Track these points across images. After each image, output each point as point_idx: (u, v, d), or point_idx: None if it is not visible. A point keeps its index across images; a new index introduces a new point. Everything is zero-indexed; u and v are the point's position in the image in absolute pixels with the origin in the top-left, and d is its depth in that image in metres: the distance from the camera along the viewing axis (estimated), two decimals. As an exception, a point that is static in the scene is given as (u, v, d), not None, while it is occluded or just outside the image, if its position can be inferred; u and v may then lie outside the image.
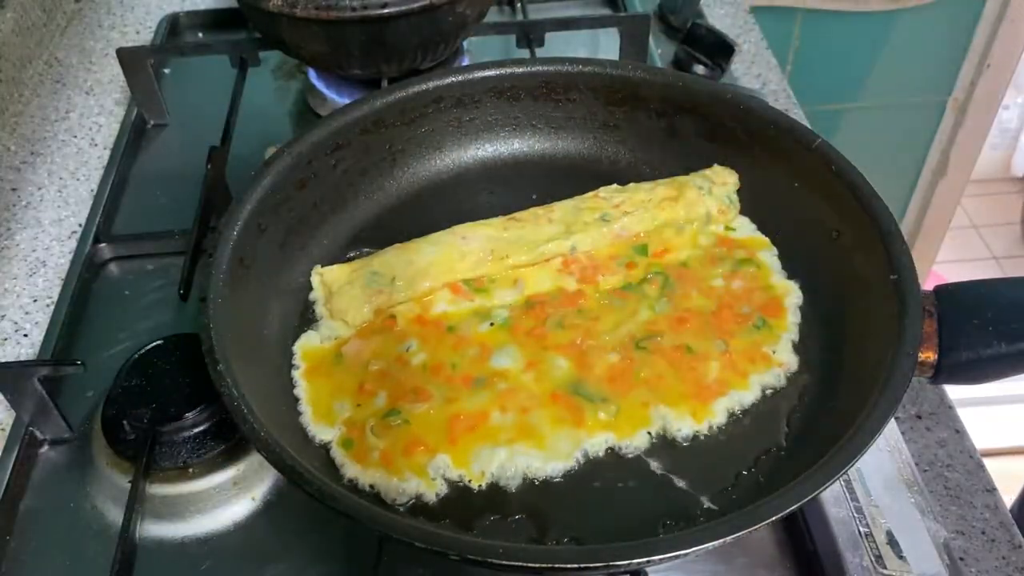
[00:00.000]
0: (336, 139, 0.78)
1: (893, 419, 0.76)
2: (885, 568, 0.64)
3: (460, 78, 0.83)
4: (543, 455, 0.63)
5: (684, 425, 0.65)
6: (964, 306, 0.62)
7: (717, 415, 0.66)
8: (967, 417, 0.78)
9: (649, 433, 0.65)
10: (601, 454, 0.64)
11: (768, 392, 0.68)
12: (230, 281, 0.65)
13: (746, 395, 0.67)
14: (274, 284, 0.72)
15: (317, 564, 0.65)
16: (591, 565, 0.50)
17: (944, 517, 0.69)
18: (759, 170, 0.79)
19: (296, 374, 0.68)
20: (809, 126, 1.07)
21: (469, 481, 0.62)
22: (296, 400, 0.67)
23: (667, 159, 0.84)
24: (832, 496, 0.68)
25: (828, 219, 0.73)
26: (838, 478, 0.53)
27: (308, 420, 0.66)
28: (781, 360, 0.69)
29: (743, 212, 0.80)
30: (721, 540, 0.51)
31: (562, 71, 0.84)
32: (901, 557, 0.65)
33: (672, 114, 0.83)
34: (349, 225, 0.80)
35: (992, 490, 0.72)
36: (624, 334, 0.71)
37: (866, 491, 0.69)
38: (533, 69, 0.84)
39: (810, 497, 0.52)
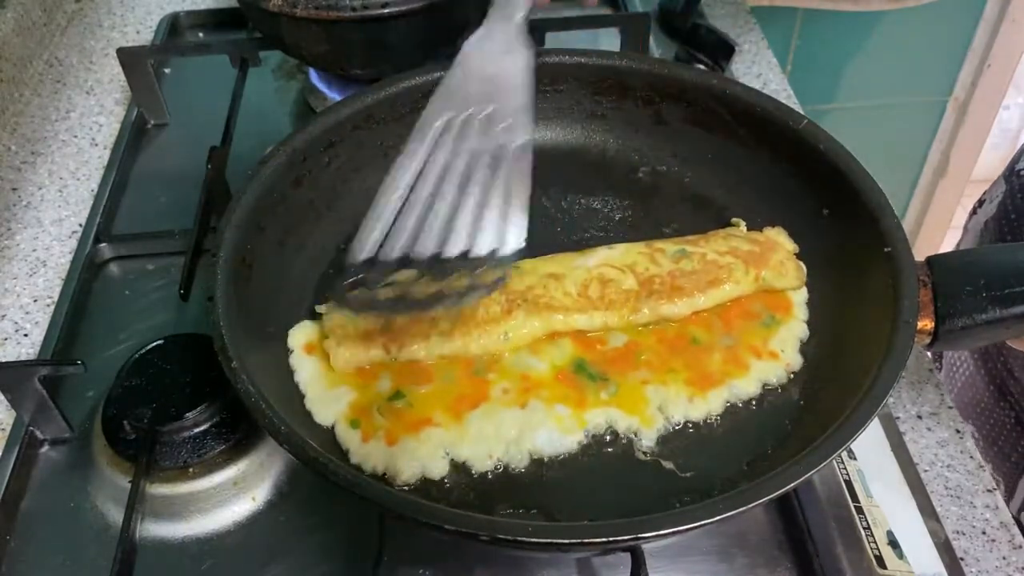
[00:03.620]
0: (329, 136, 0.78)
1: (894, 419, 0.76)
2: (885, 568, 0.64)
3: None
4: (547, 433, 0.64)
5: (687, 412, 0.66)
6: (957, 274, 0.63)
7: (717, 404, 0.66)
8: (967, 417, 0.78)
9: (652, 419, 0.65)
10: (603, 435, 0.65)
11: (771, 386, 0.68)
12: (234, 280, 0.66)
13: (750, 387, 0.67)
14: (275, 281, 0.72)
15: (317, 564, 0.65)
16: (619, 538, 0.51)
17: (944, 517, 0.69)
18: (747, 153, 0.80)
19: (297, 360, 0.68)
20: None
21: (475, 463, 0.63)
22: (298, 387, 0.67)
23: (655, 146, 0.85)
24: (832, 496, 0.68)
25: (817, 198, 0.74)
26: (843, 450, 0.54)
27: (312, 405, 0.66)
28: (787, 358, 0.69)
29: (733, 196, 0.81)
30: (741, 509, 0.52)
31: (548, 62, 0.84)
32: (901, 557, 0.65)
33: (658, 101, 0.83)
34: (345, 222, 0.80)
35: (992, 490, 0.72)
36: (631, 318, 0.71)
37: (866, 491, 0.69)
38: None
39: (821, 466, 0.54)
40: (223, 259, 0.66)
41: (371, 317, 0.67)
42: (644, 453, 0.64)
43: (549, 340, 0.69)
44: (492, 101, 0.65)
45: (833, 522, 0.66)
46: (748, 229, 0.78)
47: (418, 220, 0.62)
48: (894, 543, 0.66)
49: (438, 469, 0.62)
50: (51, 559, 0.66)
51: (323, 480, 0.54)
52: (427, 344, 0.67)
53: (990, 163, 2.85)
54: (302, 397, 0.67)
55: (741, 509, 0.52)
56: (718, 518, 0.51)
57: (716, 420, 0.66)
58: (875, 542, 0.66)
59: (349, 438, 0.64)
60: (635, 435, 0.65)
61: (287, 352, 0.69)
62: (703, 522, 0.51)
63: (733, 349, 0.69)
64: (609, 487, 0.63)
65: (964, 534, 0.69)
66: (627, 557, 0.59)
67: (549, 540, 0.51)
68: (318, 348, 0.69)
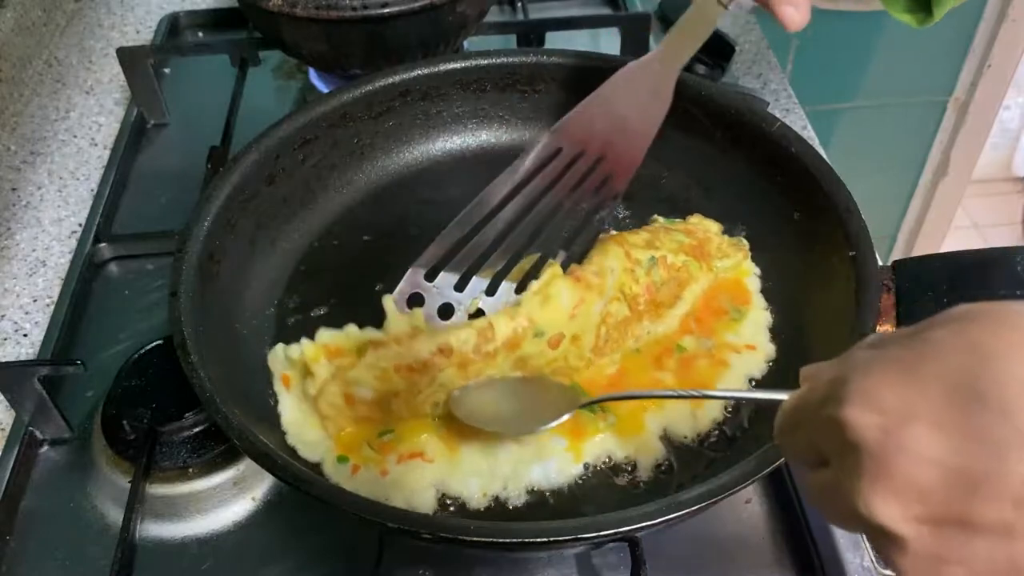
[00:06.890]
0: (303, 134, 0.78)
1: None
2: (885, 568, 0.64)
3: (426, 71, 0.83)
4: (543, 467, 0.62)
5: (695, 427, 0.65)
6: (921, 279, 0.63)
7: (718, 409, 0.66)
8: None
9: (650, 447, 0.64)
10: (601, 465, 0.64)
11: (754, 382, 0.68)
12: (200, 277, 0.66)
13: (737, 384, 0.67)
14: (245, 279, 0.73)
15: (317, 564, 0.65)
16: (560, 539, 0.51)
17: (944, 517, 0.69)
18: (722, 155, 0.80)
19: (276, 387, 0.67)
20: (809, 126, 1.07)
21: (468, 499, 0.62)
22: (277, 409, 0.66)
23: None
24: (833, 496, 0.68)
25: (789, 201, 0.74)
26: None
27: (295, 440, 0.64)
28: (762, 349, 0.70)
29: (709, 198, 0.81)
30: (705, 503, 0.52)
31: (526, 62, 0.84)
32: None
33: None
34: (319, 220, 0.81)
35: (992, 490, 0.72)
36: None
37: (866, 491, 0.69)
38: (498, 61, 0.84)
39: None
40: (189, 255, 0.66)
41: (365, 403, 0.64)
42: (644, 484, 0.63)
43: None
44: (608, 146, 0.69)
45: (833, 522, 0.66)
46: (724, 230, 0.78)
47: (479, 259, 0.68)
48: (894, 543, 0.66)
49: (426, 504, 0.61)
50: (51, 559, 0.66)
51: (270, 472, 0.54)
52: (423, 420, 0.65)
53: (990, 163, 2.86)
54: (264, 393, 0.66)
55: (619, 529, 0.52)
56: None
57: (717, 426, 0.65)
58: (875, 542, 0.66)
59: (335, 471, 0.62)
60: (634, 466, 0.64)
61: (253, 352, 0.69)
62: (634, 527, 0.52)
63: (712, 351, 0.69)
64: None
65: (964, 534, 0.69)
66: (627, 557, 0.59)
67: (491, 539, 0.51)
68: (293, 383, 0.66)
